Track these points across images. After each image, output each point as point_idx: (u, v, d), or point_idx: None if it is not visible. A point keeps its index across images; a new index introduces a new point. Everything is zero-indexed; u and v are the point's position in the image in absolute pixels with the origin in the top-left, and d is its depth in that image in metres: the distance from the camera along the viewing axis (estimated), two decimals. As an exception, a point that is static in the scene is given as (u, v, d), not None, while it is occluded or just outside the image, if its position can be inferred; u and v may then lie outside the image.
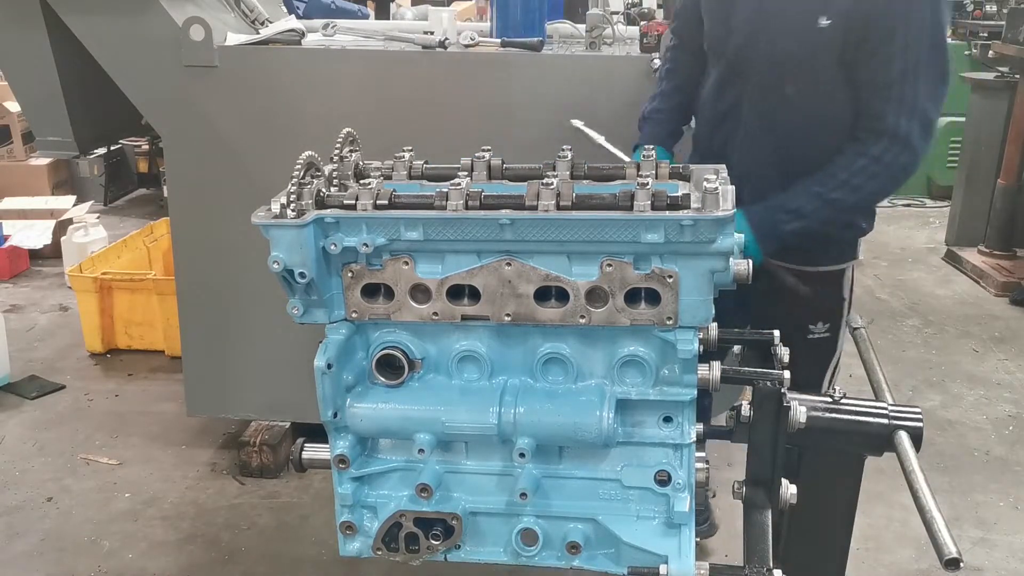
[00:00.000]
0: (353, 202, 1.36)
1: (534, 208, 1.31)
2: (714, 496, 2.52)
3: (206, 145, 3.00)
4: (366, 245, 1.36)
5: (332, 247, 1.36)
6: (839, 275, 2.33)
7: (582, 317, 1.36)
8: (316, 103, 2.90)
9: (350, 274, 1.40)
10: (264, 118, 2.95)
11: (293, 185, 1.35)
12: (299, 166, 1.38)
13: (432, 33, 3.03)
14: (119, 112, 3.13)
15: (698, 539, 2.69)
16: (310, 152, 1.43)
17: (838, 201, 2.10)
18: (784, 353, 1.68)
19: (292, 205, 1.35)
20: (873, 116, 2.08)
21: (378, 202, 1.36)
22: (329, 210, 1.36)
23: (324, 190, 1.40)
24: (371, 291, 1.42)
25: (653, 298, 1.34)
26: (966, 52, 6.98)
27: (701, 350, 1.38)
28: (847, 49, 2.06)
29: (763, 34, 2.15)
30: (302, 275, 1.35)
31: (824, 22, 2.04)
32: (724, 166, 1.48)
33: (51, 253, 5.43)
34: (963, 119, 6.21)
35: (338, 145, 1.57)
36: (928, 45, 2.03)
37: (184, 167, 3.07)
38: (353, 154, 1.58)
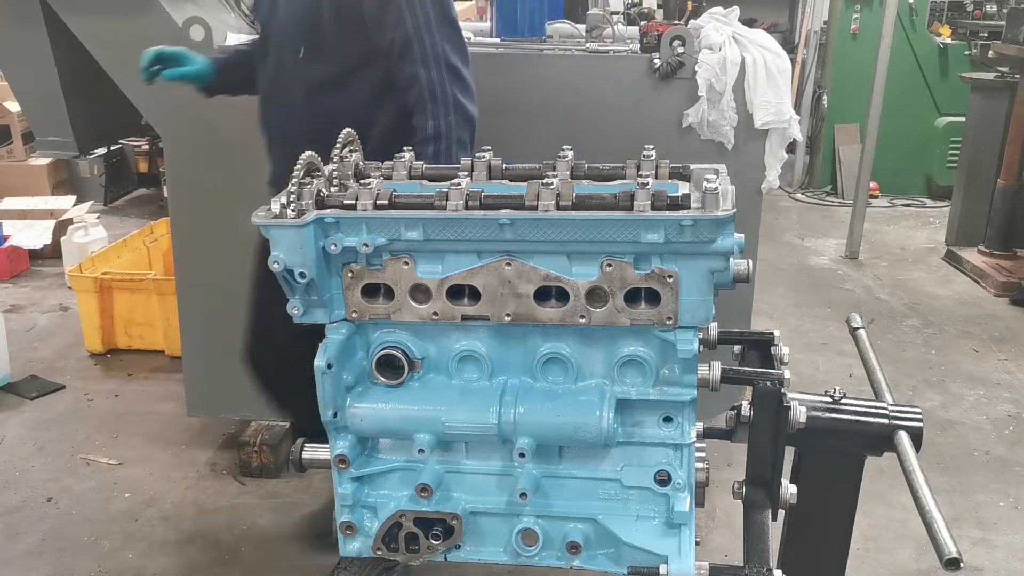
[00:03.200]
0: (353, 202, 1.36)
1: (534, 208, 1.31)
2: None
3: (206, 145, 3.00)
4: (366, 245, 1.36)
5: (332, 247, 1.36)
6: None
7: (582, 317, 1.36)
8: (316, 103, 2.89)
9: (350, 274, 1.40)
10: (264, 118, 2.94)
11: (293, 185, 1.35)
12: (299, 166, 1.39)
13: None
14: (119, 112, 3.13)
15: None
16: (310, 152, 1.43)
17: None
18: (784, 353, 1.68)
19: (292, 205, 1.35)
20: (405, 76, 2.19)
21: (378, 202, 1.36)
22: (329, 210, 1.36)
23: (324, 190, 1.40)
24: (371, 291, 1.42)
25: (653, 298, 1.34)
26: (966, 52, 6.99)
27: (702, 349, 1.39)
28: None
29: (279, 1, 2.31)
30: (302, 275, 1.35)
31: None
32: (724, 166, 1.47)
33: (51, 253, 5.42)
34: (963, 119, 6.21)
35: (338, 145, 1.57)
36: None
37: (184, 167, 3.07)
38: (353, 154, 1.58)
